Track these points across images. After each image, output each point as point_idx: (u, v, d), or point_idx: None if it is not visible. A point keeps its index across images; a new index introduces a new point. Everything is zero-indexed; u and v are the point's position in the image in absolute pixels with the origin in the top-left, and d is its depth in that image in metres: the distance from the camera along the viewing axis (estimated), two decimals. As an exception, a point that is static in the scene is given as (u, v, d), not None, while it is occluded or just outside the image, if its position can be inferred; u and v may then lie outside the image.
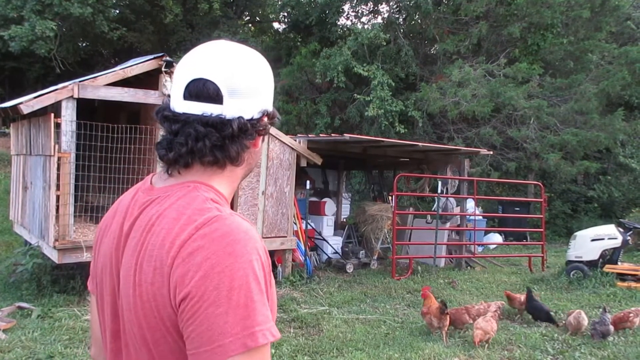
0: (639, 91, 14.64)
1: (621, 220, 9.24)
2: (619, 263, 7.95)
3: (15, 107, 5.60)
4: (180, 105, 0.98)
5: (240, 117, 0.99)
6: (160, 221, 0.94)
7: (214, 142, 0.97)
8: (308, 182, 8.45)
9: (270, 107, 1.06)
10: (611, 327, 5.18)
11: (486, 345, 4.90)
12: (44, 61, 17.51)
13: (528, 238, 13.07)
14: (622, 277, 7.74)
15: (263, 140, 1.09)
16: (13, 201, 7.90)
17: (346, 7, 17.28)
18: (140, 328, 0.93)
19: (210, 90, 0.97)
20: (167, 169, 1.02)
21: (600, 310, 5.46)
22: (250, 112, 1.01)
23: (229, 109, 0.98)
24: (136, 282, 0.93)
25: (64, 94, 5.57)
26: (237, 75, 0.98)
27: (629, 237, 8.05)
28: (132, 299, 0.93)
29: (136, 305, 0.92)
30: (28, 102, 5.45)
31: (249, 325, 0.85)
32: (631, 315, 5.38)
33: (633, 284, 7.51)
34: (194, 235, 0.89)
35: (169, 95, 1.04)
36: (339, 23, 17.59)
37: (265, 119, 1.05)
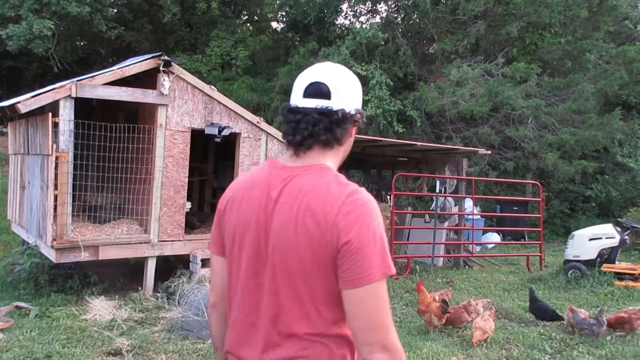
0: (636, 91, 14.66)
1: (619, 219, 9.26)
2: (617, 262, 7.96)
3: (12, 106, 5.58)
4: (301, 101, 1.40)
5: (342, 109, 1.40)
6: (315, 190, 1.32)
7: (325, 125, 1.38)
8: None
9: (360, 108, 1.47)
10: (604, 328, 5.19)
11: (484, 344, 4.91)
12: (42, 60, 17.48)
13: (526, 237, 13.09)
14: (619, 276, 7.76)
15: (356, 132, 1.50)
16: (11, 201, 7.88)
17: (344, 6, 17.27)
18: (300, 262, 1.29)
19: (323, 89, 1.39)
20: (294, 151, 1.41)
21: (598, 310, 5.47)
22: (348, 106, 1.42)
23: (335, 103, 1.39)
24: (297, 231, 1.29)
25: (62, 93, 5.56)
26: (340, 80, 1.42)
27: (626, 237, 8.07)
28: (293, 242, 1.29)
29: (297, 247, 1.29)
30: (26, 102, 5.44)
31: (385, 263, 1.28)
32: (634, 317, 5.35)
33: (631, 283, 7.52)
34: (345, 202, 1.29)
35: (288, 99, 1.44)
36: (337, 22, 17.59)
37: (358, 115, 1.46)
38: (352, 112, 1.43)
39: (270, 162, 1.46)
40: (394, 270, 1.32)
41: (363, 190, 1.35)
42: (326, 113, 1.38)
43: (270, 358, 1.33)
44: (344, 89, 1.42)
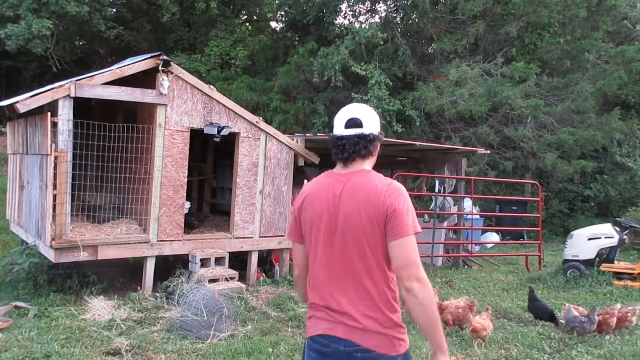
0: (635, 90, 14.69)
1: (617, 219, 9.27)
2: (616, 262, 7.97)
3: (11, 106, 5.57)
4: (343, 131, 2.11)
5: (371, 133, 2.12)
6: (366, 185, 2.02)
7: (363, 145, 2.09)
8: (306, 181, 8.44)
9: (380, 131, 2.18)
10: (595, 326, 5.22)
11: (483, 344, 4.91)
12: (41, 60, 17.46)
13: (525, 237, 13.10)
14: (618, 275, 7.77)
15: (380, 148, 2.20)
16: (10, 200, 7.87)
17: (343, 6, 17.27)
18: (364, 231, 1.97)
19: (357, 121, 2.11)
20: (344, 164, 2.12)
21: (590, 309, 5.48)
22: (374, 130, 2.13)
23: (366, 129, 2.11)
24: (361, 213, 1.98)
25: (61, 92, 5.55)
26: (367, 114, 2.15)
27: (625, 236, 8.07)
28: (358, 221, 1.98)
29: (362, 223, 1.97)
30: (24, 101, 5.43)
31: (414, 224, 1.96)
32: (629, 314, 5.38)
33: (629, 283, 7.53)
34: (387, 189, 1.98)
35: (331, 129, 2.18)
36: (336, 22, 17.59)
37: (380, 135, 2.17)
38: (376, 133, 2.15)
39: (328, 172, 2.19)
40: (420, 229, 1.99)
41: (395, 181, 2.06)
42: (361, 137, 2.10)
43: (352, 300, 2.00)
44: (369, 119, 2.14)
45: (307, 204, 2.15)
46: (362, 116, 2.13)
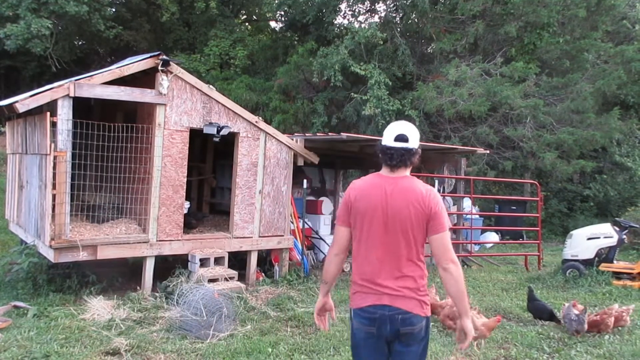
0: (634, 90, 14.69)
1: (617, 219, 9.27)
2: (615, 262, 7.98)
3: (10, 106, 5.57)
4: (392, 143, 2.61)
5: (414, 147, 2.62)
6: (412, 188, 2.56)
7: (407, 157, 2.60)
8: (305, 181, 8.45)
9: (419, 145, 2.66)
10: (585, 327, 5.23)
11: (482, 343, 4.91)
12: (40, 60, 17.45)
13: (524, 237, 13.10)
14: (617, 275, 7.77)
15: (419, 160, 2.72)
16: (9, 200, 7.87)
17: (343, 6, 17.27)
18: (411, 224, 2.51)
19: (405, 137, 2.61)
20: (391, 169, 2.63)
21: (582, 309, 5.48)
22: (416, 146, 2.63)
23: (411, 144, 2.61)
24: (410, 210, 2.52)
25: (60, 92, 5.55)
26: (412, 132, 2.64)
27: (624, 236, 8.07)
28: (407, 216, 2.52)
29: (410, 217, 2.51)
30: (24, 101, 5.42)
31: (448, 222, 2.57)
32: (624, 314, 5.40)
33: (629, 283, 7.54)
34: (429, 195, 2.54)
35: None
36: (335, 22, 17.58)
37: (419, 150, 2.66)
38: (417, 148, 2.66)
39: (376, 174, 2.71)
40: (450, 225, 2.79)
41: (433, 189, 2.62)
42: (406, 150, 2.62)
43: (400, 281, 2.57)
44: (414, 136, 2.65)
45: (360, 197, 2.65)
46: (408, 133, 2.65)
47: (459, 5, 14.15)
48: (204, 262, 6.55)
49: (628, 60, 13.20)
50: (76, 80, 5.73)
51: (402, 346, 2.61)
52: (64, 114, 5.56)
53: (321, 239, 9.40)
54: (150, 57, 6.19)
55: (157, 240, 6.32)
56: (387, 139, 2.66)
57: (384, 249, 2.58)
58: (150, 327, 5.16)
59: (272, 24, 23.05)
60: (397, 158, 2.61)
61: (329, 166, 10.93)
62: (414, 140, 2.64)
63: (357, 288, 2.66)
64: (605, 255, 8.01)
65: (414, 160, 2.66)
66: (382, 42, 14.71)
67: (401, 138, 2.63)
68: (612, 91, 13.29)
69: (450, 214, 9.99)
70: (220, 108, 6.77)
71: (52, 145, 5.53)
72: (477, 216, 12.04)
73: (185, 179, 6.57)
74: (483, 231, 12.72)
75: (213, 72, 17.80)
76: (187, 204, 6.92)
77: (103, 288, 6.23)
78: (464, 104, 12.68)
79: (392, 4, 17.00)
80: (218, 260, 6.73)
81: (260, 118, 7.37)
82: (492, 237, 12.74)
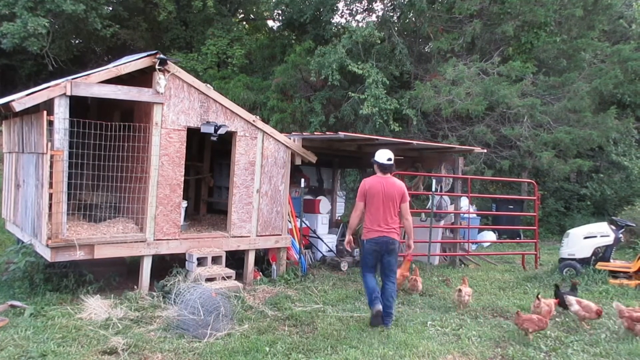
0: (631, 89, 14.73)
1: (613, 217, 9.30)
2: (611, 260, 8.00)
3: (7, 105, 5.55)
4: (385, 162, 5.62)
5: (393, 164, 5.70)
6: (394, 182, 5.59)
7: (391, 168, 5.68)
8: (303, 180, 8.45)
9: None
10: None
11: (480, 340, 4.92)
12: (37, 58, 17.39)
13: (521, 236, 13.14)
14: (614, 274, 7.79)
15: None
16: (5, 199, 7.85)
17: (340, 5, 17.28)
18: (394, 198, 5.50)
19: (390, 159, 5.64)
20: (383, 174, 5.61)
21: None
22: (392, 162, 5.67)
23: (392, 163, 5.68)
24: (394, 193, 5.51)
25: (57, 91, 5.53)
26: (392, 155, 5.68)
27: (621, 235, 8.10)
28: (392, 194, 5.50)
29: (394, 195, 5.50)
30: (20, 100, 5.41)
31: (408, 197, 5.77)
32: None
33: (625, 281, 7.56)
34: (401, 184, 5.64)
35: (374, 158, 5.69)
36: (333, 21, 17.58)
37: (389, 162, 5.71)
38: (391, 163, 5.62)
39: (376, 176, 5.59)
40: (408, 198, 5.70)
41: (402, 182, 5.66)
42: (391, 165, 5.61)
43: (392, 227, 5.44)
44: (391, 158, 5.62)
45: (370, 187, 5.51)
46: (391, 156, 5.59)
47: (456, 5, 14.17)
48: (201, 261, 6.55)
49: (625, 59, 13.23)
50: (73, 79, 5.71)
51: (387, 255, 5.50)
52: (61, 113, 5.55)
53: (319, 238, 9.41)
54: (148, 56, 6.18)
55: (154, 240, 6.31)
56: (382, 159, 5.58)
57: (382, 211, 5.43)
58: (147, 326, 5.16)
59: (270, 23, 23.05)
60: (387, 169, 5.60)
61: (326, 165, 10.93)
62: (393, 160, 5.60)
63: (369, 228, 5.47)
64: (602, 254, 8.04)
65: (393, 170, 5.75)
66: (379, 41, 14.70)
67: (389, 159, 5.59)
68: (608, 90, 13.34)
69: (447, 213, 10.03)
70: (218, 107, 6.77)
71: (49, 144, 5.51)
72: (475, 215, 12.06)
73: (183, 178, 6.56)
74: (480, 230, 12.76)
75: (210, 71, 17.77)
76: (184, 203, 6.91)
77: (100, 287, 6.21)
78: (462, 103, 12.70)
79: (390, 3, 17.01)
80: (215, 260, 6.73)
81: (257, 117, 7.37)
82: (490, 236, 12.77)
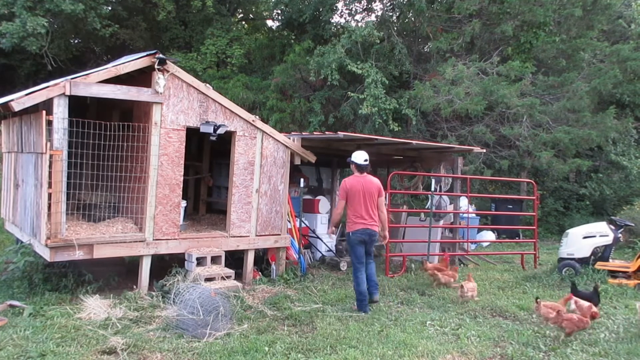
0: (630, 89, 14.75)
1: (612, 217, 9.31)
2: (610, 260, 8.01)
3: (6, 104, 5.55)
4: (362, 162, 6.26)
5: (368, 164, 6.34)
6: (372, 180, 6.25)
7: (367, 168, 6.32)
8: (302, 180, 8.45)
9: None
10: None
11: (478, 340, 4.92)
12: (36, 58, 17.37)
13: (521, 235, 13.14)
14: (613, 274, 7.80)
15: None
16: (4, 199, 7.84)
17: (340, 4, 17.27)
18: (372, 194, 6.16)
19: (367, 160, 6.30)
20: (360, 173, 6.27)
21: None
22: (368, 162, 6.32)
23: (367, 162, 6.32)
24: (372, 189, 6.18)
25: (56, 91, 5.53)
26: (368, 156, 6.31)
27: (620, 235, 8.11)
28: (372, 191, 6.17)
29: (372, 192, 6.17)
30: (19, 99, 5.40)
31: (383, 192, 6.45)
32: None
33: (624, 281, 7.57)
34: (377, 181, 6.31)
35: (352, 159, 6.34)
36: (332, 21, 17.57)
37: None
38: (366, 163, 6.31)
39: (355, 175, 6.25)
40: (383, 193, 6.40)
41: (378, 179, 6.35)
42: (367, 165, 6.26)
43: (373, 219, 6.14)
44: (368, 158, 6.27)
45: (351, 187, 6.12)
46: (367, 157, 6.23)
47: (456, 4, 14.16)
48: (200, 261, 6.54)
49: (624, 59, 13.24)
50: (72, 78, 5.71)
51: (370, 245, 6.19)
52: (60, 113, 5.54)
53: (318, 237, 9.41)
54: (147, 55, 6.17)
55: (153, 239, 6.31)
56: (359, 159, 6.20)
57: (363, 205, 6.07)
58: (146, 326, 5.16)
59: (269, 22, 23.02)
60: (364, 169, 6.22)
61: (326, 165, 10.92)
62: (368, 160, 6.22)
63: (355, 221, 6.08)
64: (601, 253, 8.05)
65: (369, 169, 6.33)
66: (378, 41, 14.70)
67: (365, 160, 6.21)
68: (607, 90, 13.34)
69: (447, 213, 10.04)
70: (217, 107, 6.76)
71: (48, 144, 5.51)
72: (474, 215, 12.06)
73: (182, 178, 6.55)
74: (479, 230, 12.76)
75: (210, 71, 17.76)
76: (183, 203, 6.91)
77: (99, 287, 6.21)
78: (461, 103, 12.70)
79: (389, 3, 17.01)
80: (215, 259, 6.72)
81: (257, 117, 7.36)
82: (489, 235, 12.77)
